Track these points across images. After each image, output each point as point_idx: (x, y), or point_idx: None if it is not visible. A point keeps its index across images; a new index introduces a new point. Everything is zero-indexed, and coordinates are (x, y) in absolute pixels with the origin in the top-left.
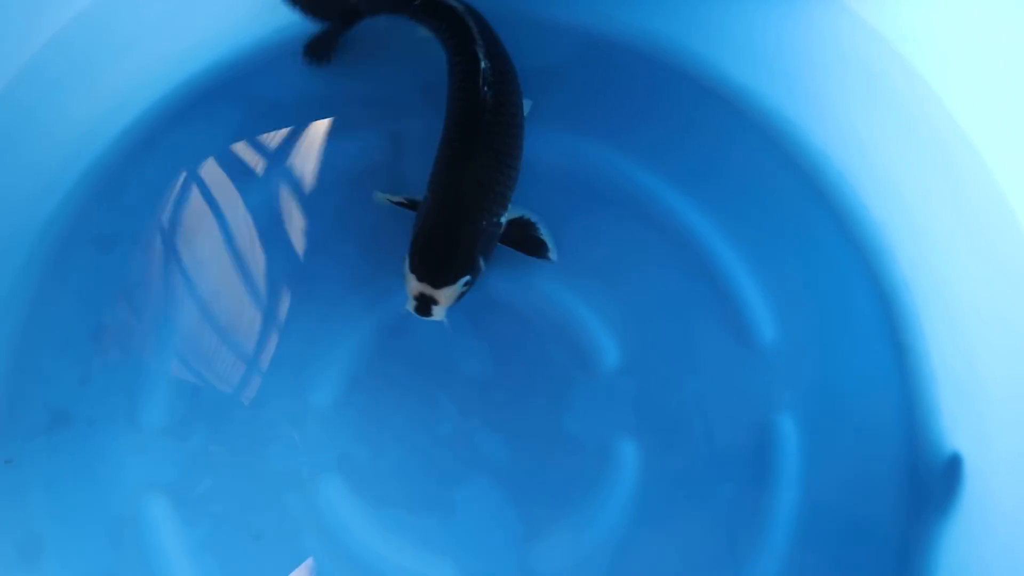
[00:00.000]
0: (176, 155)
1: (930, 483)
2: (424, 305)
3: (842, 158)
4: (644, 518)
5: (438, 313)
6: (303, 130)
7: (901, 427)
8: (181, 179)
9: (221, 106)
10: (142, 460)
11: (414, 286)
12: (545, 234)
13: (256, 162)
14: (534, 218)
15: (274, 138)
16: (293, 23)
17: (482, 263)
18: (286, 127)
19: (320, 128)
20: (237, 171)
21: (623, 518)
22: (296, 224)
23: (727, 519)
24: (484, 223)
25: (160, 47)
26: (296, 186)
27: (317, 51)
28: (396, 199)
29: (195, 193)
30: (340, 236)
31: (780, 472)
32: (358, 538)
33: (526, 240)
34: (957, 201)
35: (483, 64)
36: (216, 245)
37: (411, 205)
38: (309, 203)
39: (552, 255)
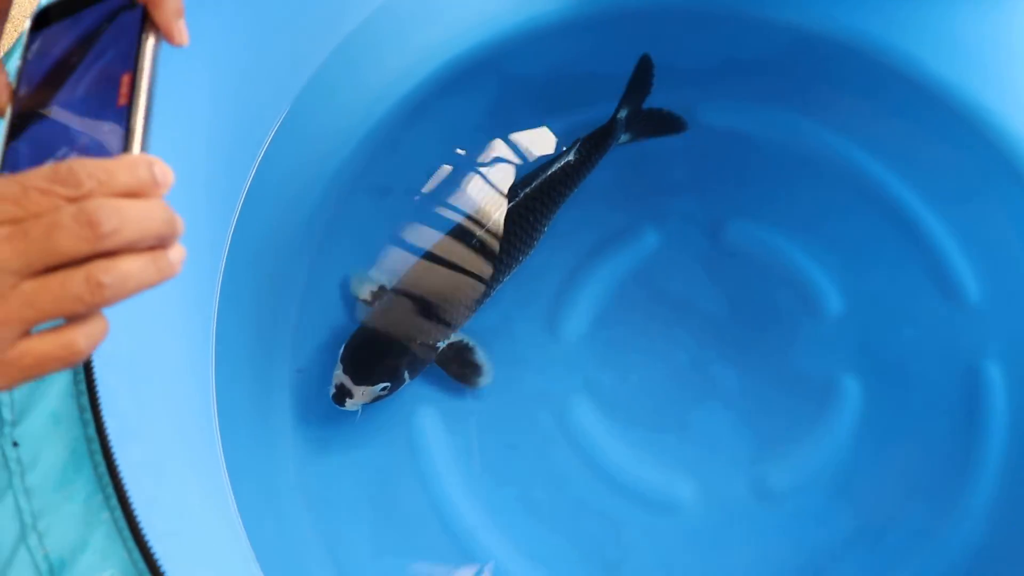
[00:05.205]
0: (443, 120)
1: None
2: (340, 395)
3: None
4: (865, 444)
5: (351, 404)
6: (549, 103)
7: None
8: (446, 140)
9: (482, 80)
10: None
11: (338, 375)
12: (481, 358)
13: (508, 127)
14: (471, 343)
15: (523, 108)
16: (547, 13)
17: (407, 376)
18: (535, 100)
19: (564, 101)
20: (493, 134)
21: (846, 442)
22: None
23: (941, 449)
24: (419, 345)
25: (437, 31)
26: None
27: None
28: (365, 294)
29: (458, 152)
30: (589, 191)
31: (989, 413)
32: (602, 451)
33: (460, 362)
34: None
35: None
36: (475, 197)
37: (372, 299)
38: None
39: (486, 379)
